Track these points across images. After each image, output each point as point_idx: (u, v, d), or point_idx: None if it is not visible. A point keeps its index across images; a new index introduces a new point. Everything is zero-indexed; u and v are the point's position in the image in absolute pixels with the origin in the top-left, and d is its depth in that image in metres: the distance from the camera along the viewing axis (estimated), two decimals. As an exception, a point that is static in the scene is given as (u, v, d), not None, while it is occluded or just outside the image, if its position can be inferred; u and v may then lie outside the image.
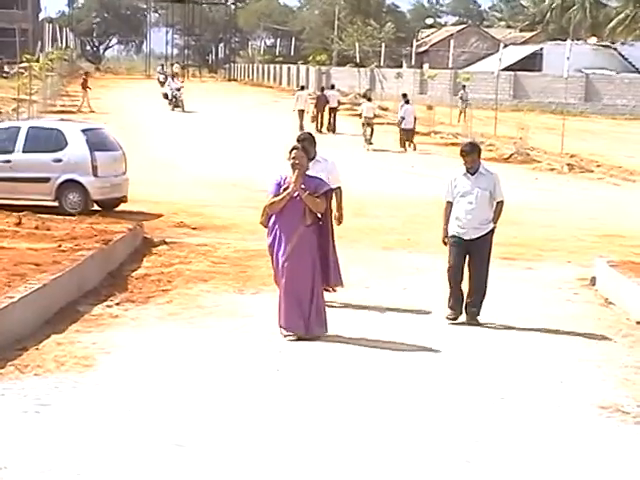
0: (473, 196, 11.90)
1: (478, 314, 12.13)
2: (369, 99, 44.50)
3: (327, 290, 11.87)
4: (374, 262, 16.22)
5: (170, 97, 52.35)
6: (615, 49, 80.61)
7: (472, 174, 11.97)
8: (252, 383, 9.40)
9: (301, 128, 41.98)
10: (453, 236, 12.05)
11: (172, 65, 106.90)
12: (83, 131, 21.03)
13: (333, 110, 46.15)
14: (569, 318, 12.87)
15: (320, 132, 42.74)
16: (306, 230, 10.93)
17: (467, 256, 12.04)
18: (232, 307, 12.56)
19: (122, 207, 20.71)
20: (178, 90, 52.28)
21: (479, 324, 12.08)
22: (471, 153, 12.03)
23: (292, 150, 11.01)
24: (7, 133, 21.20)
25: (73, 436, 7.67)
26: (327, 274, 11.52)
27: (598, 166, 33.96)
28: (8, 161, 20.20)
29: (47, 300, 11.62)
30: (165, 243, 17.08)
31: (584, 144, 37.19)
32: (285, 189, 10.86)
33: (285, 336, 10.95)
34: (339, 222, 12.91)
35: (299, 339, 10.87)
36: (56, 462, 7.06)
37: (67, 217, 18.54)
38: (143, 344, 10.69)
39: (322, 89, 51.12)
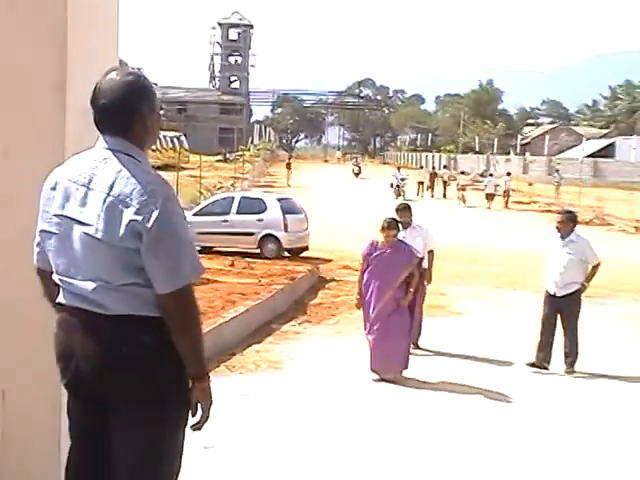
0: (562, 259, 10.07)
1: (573, 364, 10.05)
2: (462, 173, 49.97)
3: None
4: (487, 298, 15.81)
5: (395, 186, 44.66)
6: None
7: (563, 238, 10.15)
8: (386, 391, 9.26)
9: (417, 194, 46.09)
10: (547, 291, 10.28)
11: (344, 154, 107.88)
12: (278, 200, 21.42)
13: (445, 183, 48.60)
14: (637, 344, 12.20)
15: (432, 197, 46.75)
16: (397, 290, 9.40)
17: (559, 312, 10.17)
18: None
19: (305, 254, 20.80)
20: (402, 180, 45.55)
21: (574, 371, 10.03)
22: (564, 221, 10.20)
23: (387, 228, 9.43)
24: (226, 201, 21.73)
25: (268, 421, 7.63)
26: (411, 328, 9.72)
27: (658, 228, 33.15)
28: (226, 220, 20.64)
29: (250, 320, 11.74)
30: (334, 280, 17.10)
31: (648, 212, 36.39)
32: (377, 256, 9.43)
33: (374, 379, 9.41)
34: (429, 281, 11.13)
35: (382, 379, 9.36)
36: (255, 443, 6.98)
37: (265, 260, 18.84)
38: (317, 353, 10.69)
39: (433, 168, 54.33)
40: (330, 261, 20.19)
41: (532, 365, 10.16)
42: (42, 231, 3.31)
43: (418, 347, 10.91)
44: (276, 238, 20.29)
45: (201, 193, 31.55)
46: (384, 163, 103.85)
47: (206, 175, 38.70)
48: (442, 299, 14.85)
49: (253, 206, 20.90)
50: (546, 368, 10.11)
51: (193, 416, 3.25)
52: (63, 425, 3.62)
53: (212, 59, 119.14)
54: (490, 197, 41.33)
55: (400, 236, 10.01)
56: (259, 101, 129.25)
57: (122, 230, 3.05)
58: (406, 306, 9.46)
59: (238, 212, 20.80)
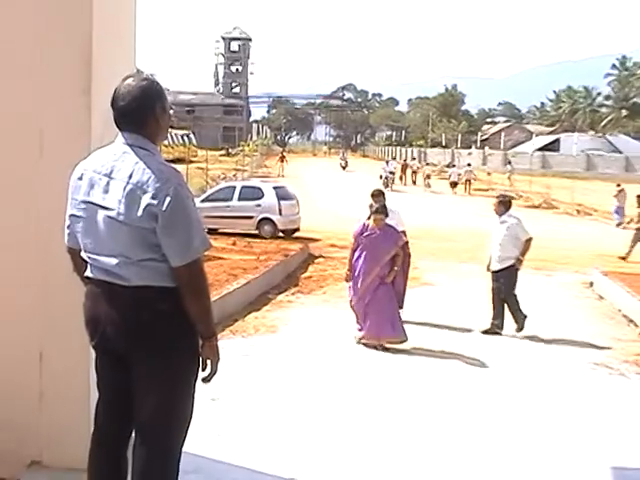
0: (499, 237, 9.95)
1: (522, 327, 9.91)
2: (427, 164, 50.20)
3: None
4: (453, 270, 15.80)
5: (384, 177, 42.08)
6: (605, 138, 79.38)
7: (499, 219, 10.13)
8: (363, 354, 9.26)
9: (393, 182, 44.23)
10: (489, 267, 10.15)
11: (330, 149, 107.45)
12: (274, 188, 21.38)
13: (414, 172, 48.69)
14: (575, 307, 12.39)
15: (405, 185, 45.91)
16: (382, 267, 9.13)
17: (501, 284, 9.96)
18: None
19: (297, 234, 20.77)
20: (391, 173, 43.00)
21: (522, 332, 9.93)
22: (497, 204, 10.24)
23: (376, 213, 9.25)
24: (229, 189, 21.71)
25: (266, 377, 7.63)
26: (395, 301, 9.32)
27: (595, 211, 33.00)
28: (229, 206, 20.60)
29: (250, 291, 11.73)
30: (322, 257, 17.08)
31: (586, 197, 36.37)
32: (367, 236, 9.21)
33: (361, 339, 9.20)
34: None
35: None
36: (255, 395, 6.97)
37: (263, 240, 18.83)
38: (308, 319, 10.68)
39: (405, 160, 53.18)
40: (318, 240, 20.14)
41: (486, 332, 9.99)
42: (71, 215, 3.32)
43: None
44: (272, 221, 20.26)
45: (207, 183, 31.50)
46: (364, 156, 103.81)
47: (211, 167, 38.58)
48: (415, 272, 14.82)
49: (252, 193, 20.85)
50: (499, 334, 9.98)
51: (203, 370, 3.28)
52: (92, 380, 3.64)
53: (216, 68, 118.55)
54: (453, 185, 41.98)
55: None
56: (257, 103, 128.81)
57: (140, 213, 3.07)
58: (390, 282, 9.22)
59: (239, 199, 20.74)
